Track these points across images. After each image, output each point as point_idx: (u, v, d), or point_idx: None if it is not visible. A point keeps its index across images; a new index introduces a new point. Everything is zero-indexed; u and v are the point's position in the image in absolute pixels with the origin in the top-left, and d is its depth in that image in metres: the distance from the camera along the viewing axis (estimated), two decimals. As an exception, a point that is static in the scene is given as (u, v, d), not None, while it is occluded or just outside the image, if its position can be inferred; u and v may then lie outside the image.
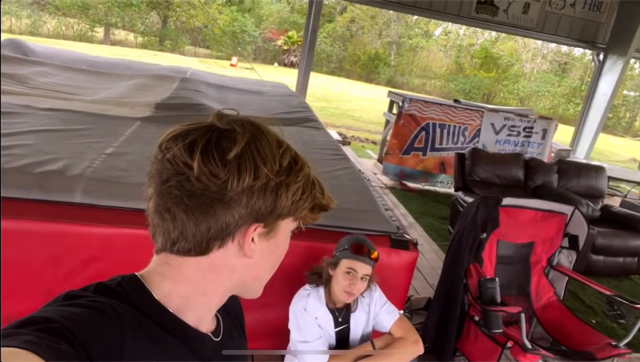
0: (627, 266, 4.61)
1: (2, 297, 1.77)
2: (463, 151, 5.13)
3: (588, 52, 11.58)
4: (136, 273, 0.62)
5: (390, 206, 3.04)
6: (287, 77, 14.75)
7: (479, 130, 6.72)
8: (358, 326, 1.99)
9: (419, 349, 1.93)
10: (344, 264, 1.85)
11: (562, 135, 10.18)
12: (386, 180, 6.82)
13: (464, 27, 27.16)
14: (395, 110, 7.09)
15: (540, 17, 8.27)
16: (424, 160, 6.75)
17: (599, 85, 8.87)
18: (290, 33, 25.63)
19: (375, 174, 7.11)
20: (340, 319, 1.96)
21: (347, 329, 1.98)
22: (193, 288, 0.62)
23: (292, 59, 25.02)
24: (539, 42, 25.55)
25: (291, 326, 1.89)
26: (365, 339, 2.01)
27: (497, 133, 6.76)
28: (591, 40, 8.66)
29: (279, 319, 2.01)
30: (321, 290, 1.94)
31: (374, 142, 10.24)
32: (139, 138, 2.80)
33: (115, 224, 1.90)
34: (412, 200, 6.13)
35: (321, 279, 1.93)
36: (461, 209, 4.07)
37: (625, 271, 4.66)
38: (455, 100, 7.68)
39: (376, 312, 1.99)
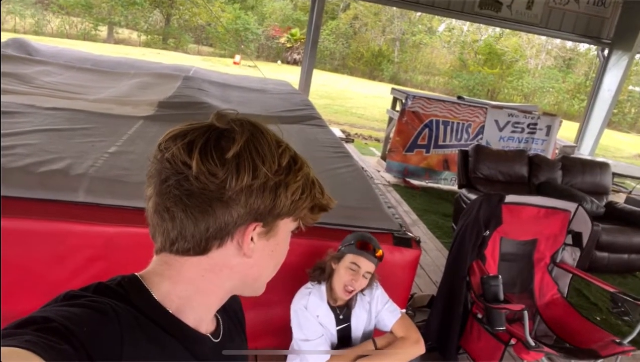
0: (632, 262, 4.59)
1: (7, 296, 1.79)
2: (466, 148, 5.11)
3: (593, 47, 11.49)
4: (136, 273, 0.62)
5: (393, 204, 3.05)
6: (291, 75, 14.74)
7: (483, 127, 6.70)
8: (359, 323, 1.99)
9: (421, 348, 1.93)
10: (348, 258, 1.86)
11: (566, 132, 10.13)
12: (390, 177, 6.81)
13: (467, 23, 27.03)
14: (398, 108, 7.07)
15: (544, 12, 8.21)
16: (428, 158, 6.73)
17: (604, 80, 8.81)
18: (293, 30, 25.61)
19: (379, 171, 7.10)
20: (341, 317, 1.96)
21: (349, 328, 1.98)
22: (192, 288, 0.62)
23: (295, 56, 24.99)
24: (543, 37, 25.40)
25: (293, 324, 1.90)
26: (367, 337, 2.01)
27: (501, 130, 6.73)
28: (596, 36, 8.59)
29: (281, 317, 2.02)
30: (323, 287, 1.94)
31: (378, 140, 10.22)
32: (142, 137, 2.81)
33: (119, 223, 1.91)
34: (415, 197, 6.12)
35: (324, 274, 1.93)
36: (465, 206, 4.06)
37: (630, 267, 4.64)
38: (459, 97, 7.65)
39: (378, 310, 1.99)
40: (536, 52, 30.29)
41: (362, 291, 1.94)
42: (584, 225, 2.80)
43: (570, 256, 2.91)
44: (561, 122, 7.00)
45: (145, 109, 3.50)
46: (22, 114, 2.75)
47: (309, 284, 1.96)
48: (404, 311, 2.06)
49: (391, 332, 1.98)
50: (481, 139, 6.68)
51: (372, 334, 2.03)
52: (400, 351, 1.88)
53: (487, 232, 2.66)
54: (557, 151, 7.45)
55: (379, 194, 2.84)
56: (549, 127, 6.83)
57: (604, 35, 8.57)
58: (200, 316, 0.64)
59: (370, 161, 7.72)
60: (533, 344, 2.22)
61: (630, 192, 7.38)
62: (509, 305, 2.27)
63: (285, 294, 2.00)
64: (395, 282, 2.27)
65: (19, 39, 5.45)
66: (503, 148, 6.32)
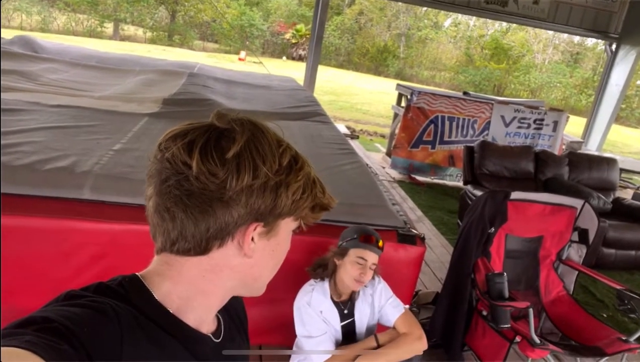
0: (639, 259, 4.56)
1: (13, 293, 1.80)
2: (472, 144, 5.09)
3: (600, 42, 11.38)
4: (137, 273, 0.62)
5: (398, 200, 3.04)
6: (296, 71, 14.72)
7: (489, 122, 6.66)
8: (363, 317, 1.99)
9: (423, 345, 1.93)
10: (354, 253, 1.86)
11: (573, 127, 10.06)
12: (395, 173, 6.79)
13: (474, 18, 26.87)
14: (403, 104, 7.04)
15: (552, 7, 8.14)
16: (433, 154, 6.71)
17: (612, 75, 8.73)
18: (298, 26, 25.55)
19: (384, 167, 7.09)
20: (346, 312, 1.96)
21: (353, 323, 1.98)
22: (193, 288, 0.62)
23: (301, 52, 24.95)
24: (550, 32, 25.19)
25: (295, 321, 1.91)
26: (371, 332, 2.01)
27: (507, 125, 6.69)
28: (603, 30, 8.51)
29: (286, 314, 2.02)
30: (326, 284, 1.94)
31: (383, 136, 10.19)
32: (146, 134, 2.82)
33: (124, 220, 1.92)
34: (420, 194, 6.10)
35: (326, 270, 1.93)
36: (470, 202, 4.05)
37: (637, 264, 4.60)
38: (465, 93, 7.61)
39: (381, 305, 1.99)
40: (543, 46, 30.05)
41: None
42: (590, 222, 2.78)
43: (576, 252, 2.89)
44: (568, 117, 6.94)
45: (150, 106, 3.51)
46: (27, 112, 2.77)
47: (312, 281, 1.97)
48: (407, 306, 2.05)
49: (394, 327, 1.97)
50: (487, 135, 6.64)
51: (376, 330, 2.03)
52: (402, 348, 1.88)
53: (492, 229, 2.64)
54: (564, 147, 7.40)
55: (384, 190, 2.83)
56: (555, 123, 6.77)
57: (611, 30, 8.49)
58: (200, 316, 0.64)
59: (376, 157, 7.70)
60: (538, 341, 2.21)
61: (638, 188, 7.33)
62: (513, 302, 2.26)
63: (290, 290, 2.01)
64: (400, 279, 2.27)
65: (25, 37, 5.48)
66: (509, 144, 6.29)
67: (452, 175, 6.82)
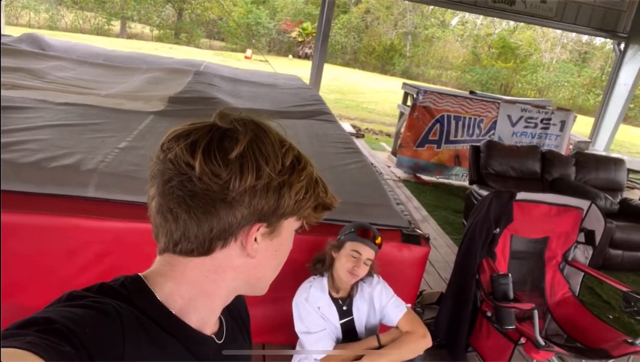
0: (647, 260, 4.52)
1: (17, 290, 1.82)
2: (478, 144, 5.06)
3: (609, 41, 11.28)
4: (140, 273, 0.62)
5: (403, 200, 3.04)
6: (302, 70, 14.71)
7: (495, 122, 6.62)
8: (361, 315, 1.99)
9: (427, 342, 1.93)
10: (349, 246, 1.88)
11: (581, 127, 9.98)
12: (400, 173, 6.77)
13: (481, 16, 26.72)
14: (409, 103, 7.02)
15: (559, 5, 8.08)
16: (439, 153, 6.68)
17: (620, 75, 8.65)
18: (304, 25, 25.53)
19: (389, 166, 7.07)
20: (344, 308, 1.96)
21: (352, 322, 1.98)
22: (196, 289, 0.62)
23: (307, 50, 24.93)
24: (558, 31, 25.00)
25: (294, 317, 1.92)
26: (372, 332, 2.01)
27: (513, 125, 6.65)
28: (612, 29, 8.43)
29: (289, 313, 2.02)
30: (324, 279, 1.95)
31: (388, 135, 10.17)
32: (152, 132, 2.82)
33: (129, 219, 1.93)
34: (426, 193, 6.08)
35: (324, 265, 1.94)
36: (476, 202, 4.03)
37: (644, 265, 4.56)
38: (471, 92, 7.57)
39: (383, 306, 1.98)
40: (551, 45, 29.83)
41: (362, 279, 1.94)
42: (596, 223, 2.76)
43: (582, 254, 2.87)
44: (575, 117, 6.89)
45: (155, 104, 3.52)
46: (34, 109, 2.78)
47: (311, 278, 1.98)
48: (409, 305, 2.05)
49: (397, 327, 1.97)
50: (493, 134, 6.60)
51: (378, 330, 2.03)
52: (406, 346, 1.88)
53: (498, 229, 2.63)
54: (571, 147, 7.35)
55: (388, 190, 2.82)
56: (563, 123, 6.73)
57: (620, 29, 8.41)
58: (203, 317, 0.64)
59: (381, 156, 7.68)
60: (543, 343, 2.20)
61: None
62: (518, 304, 2.25)
63: (293, 289, 2.00)
64: (404, 279, 2.26)
65: (32, 34, 5.51)
66: (516, 143, 6.25)
67: (458, 175, 6.79)
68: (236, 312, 0.78)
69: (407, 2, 25.26)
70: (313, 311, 1.89)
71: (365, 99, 16.47)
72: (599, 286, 4.03)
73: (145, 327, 0.56)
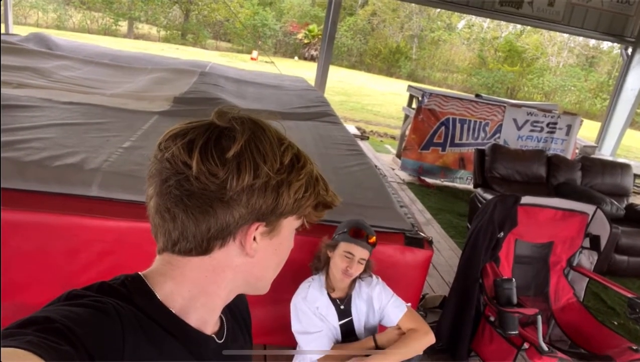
0: (653, 266, 4.47)
1: (20, 288, 1.82)
2: (483, 147, 5.04)
3: (616, 45, 11.22)
4: (140, 273, 0.62)
5: (407, 203, 3.03)
6: (307, 71, 14.72)
7: (501, 125, 6.59)
8: (360, 315, 1.98)
9: (431, 339, 1.93)
10: (342, 247, 1.87)
11: (587, 131, 9.93)
12: (404, 175, 6.75)
13: (487, 19, 26.64)
14: (414, 105, 7.00)
15: (567, 9, 8.02)
16: (443, 156, 6.66)
17: (627, 80, 8.59)
18: (310, 26, 25.58)
19: (394, 169, 7.05)
20: (342, 307, 1.96)
21: (351, 322, 1.97)
22: (196, 289, 0.62)
23: (313, 52, 24.97)
24: (566, 35, 24.89)
25: (292, 317, 1.92)
26: (371, 332, 2.00)
27: (519, 129, 6.61)
28: (619, 34, 8.37)
29: (289, 314, 2.01)
30: (323, 278, 1.95)
31: (393, 137, 10.15)
32: (156, 132, 2.83)
33: (131, 218, 1.93)
34: (430, 196, 6.06)
35: (321, 262, 1.94)
36: (480, 206, 4.00)
37: (650, 272, 4.52)
38: (477, 95, 7.54)
39: (382, 306, 1.97)
40: (558, 49, 29.72)
41: (359, 277, 1.93)
42: (602, 228, 2.74)
43: (587, 259, 2.84)
44: (582, 121, 6.84)
45: (160, 105, 3.53)
46: (39, 108, 2.79)
47: (309, 278, 1.98)
48: (409, 304, 2.03)
49: (398, 327, 1.96)
50: (499, 138, 6.57)
51: (378, 330, 2.02)
52: (411, 344, 1.87)
53: (502, 233, 2.61)
54: (577, 151, 7.30)
55: (392, 192, 2.81)
56: (569, 127, 6.69)
57: (627, 34, 8.35)
58: (203, 316, 0.64)
59: (385, 159, 7.67)
60: (546, 349, 2.18)
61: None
62: (522, 309, 2.23)
63: (293, 290, 2.00)
64: (406, 282, 2.25)
65: (40, 34, 5.55)
66: (521, 147, 6.21)
67: (463, 178, 6.77)
68: (237, 311, 0.77)
69: (413, 5, 25.17)
70: (310, 312, 1.88)
71: (371, 101, 16.46)
72: (604, 291, 4.00)
73: (145, 326, 0.56)
